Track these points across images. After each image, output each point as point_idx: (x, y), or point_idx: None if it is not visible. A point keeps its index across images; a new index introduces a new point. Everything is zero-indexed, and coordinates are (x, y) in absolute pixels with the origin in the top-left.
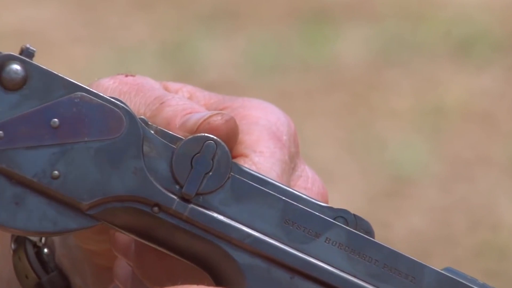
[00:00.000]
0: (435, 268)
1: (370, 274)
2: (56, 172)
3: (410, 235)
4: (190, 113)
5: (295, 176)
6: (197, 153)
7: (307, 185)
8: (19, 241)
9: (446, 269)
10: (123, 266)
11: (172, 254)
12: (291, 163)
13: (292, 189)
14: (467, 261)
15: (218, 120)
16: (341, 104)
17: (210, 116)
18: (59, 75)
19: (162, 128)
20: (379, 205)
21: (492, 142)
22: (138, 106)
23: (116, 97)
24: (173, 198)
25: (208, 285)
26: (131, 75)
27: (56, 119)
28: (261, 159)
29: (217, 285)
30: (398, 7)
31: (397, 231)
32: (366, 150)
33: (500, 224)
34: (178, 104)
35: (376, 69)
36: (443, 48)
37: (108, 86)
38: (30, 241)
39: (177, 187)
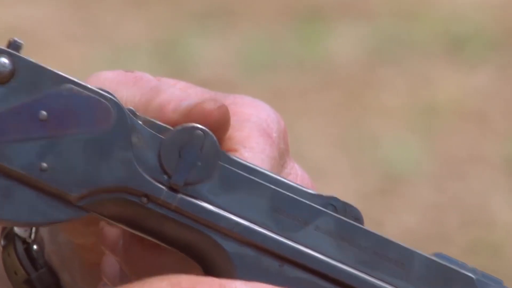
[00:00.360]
0: (425, 254)
1: (359, 261)
2: (44, 164)
3: (403, 233)
4: (184, 99)
5: (284, 173)
6: (186, 143)
7: (296, 182)
8: (9, 238)
9: (436, 255)
10: (111, 264)
11: (161, 244)
12: (280, 160)
13: (282, 178)
14: (460, 259)
15: (211, 105)
16: (335, 102)
17: (204, 101)
18: (47, 67)
19: (150, 119)
20: (372, 203)
21: (486, 141)
22: (133, 95)
23: (114, 86)
24: (162, 188)
25: (197, 275)
26: (131, 71)
27: (44, 112)
28: (251, 154)
29: (206, 274)
30: (392, 6)
31: (389, 229)
32: (359, 148)
33: (493, 222)
34: (174, 92)
35: (370, 67)
36: (437, 47)
37: (107, 77)
38: (20, 237)
39: (166, 177)
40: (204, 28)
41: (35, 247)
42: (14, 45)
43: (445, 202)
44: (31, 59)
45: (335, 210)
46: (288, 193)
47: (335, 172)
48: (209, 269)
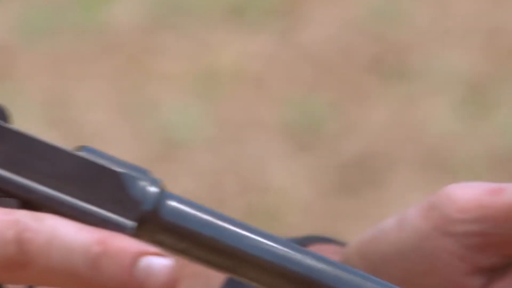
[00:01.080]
0: (73, 151)
1: (8, 161)
2: None
3: None
4: None
5: None
6: None
7: None
8: None
9: (86, 149)
10: None
11: None
12: None
13: None
14: None
15: None
16: (115, 68)
17: None
18: None
19: None
20: (151, 168)
21: (263, 106)
22: None
23: None
24: None
25: None
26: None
27: None
28: None
29: None
30: None
31: None
32: (139, 114)
33: (269, 186)
34: None
35: (150, 33)
36: (217, 12)
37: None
38: None
39: None
40: None
41: None
42: None
43: (223, 167)
44: None
45: None
46: None
47: (115, 137)
48: None
